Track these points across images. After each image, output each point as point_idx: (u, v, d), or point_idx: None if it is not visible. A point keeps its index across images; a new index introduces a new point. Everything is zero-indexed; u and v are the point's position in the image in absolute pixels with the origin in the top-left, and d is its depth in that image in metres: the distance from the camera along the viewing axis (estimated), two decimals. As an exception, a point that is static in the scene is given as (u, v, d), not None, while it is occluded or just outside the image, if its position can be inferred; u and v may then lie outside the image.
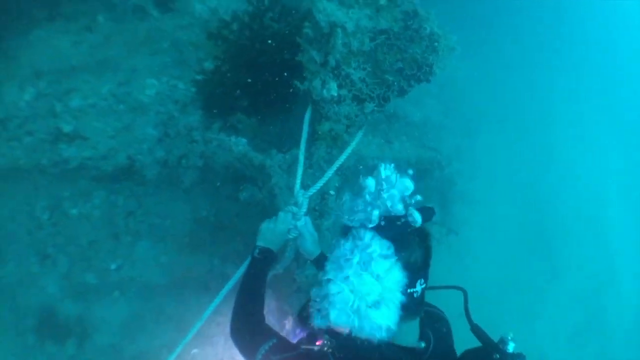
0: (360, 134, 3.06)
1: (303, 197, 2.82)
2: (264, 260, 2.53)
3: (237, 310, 2.28)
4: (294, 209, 2.82)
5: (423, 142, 4.70)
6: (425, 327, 2.12)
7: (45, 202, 3.50)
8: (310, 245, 2.83)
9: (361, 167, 3.81)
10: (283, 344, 1.93)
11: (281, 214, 2.72)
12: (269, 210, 3.27)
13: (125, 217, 3.70)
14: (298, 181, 2.84)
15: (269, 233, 2.64)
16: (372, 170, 1.91)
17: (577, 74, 10.96)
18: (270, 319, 4.05)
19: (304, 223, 2.83)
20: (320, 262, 2.83)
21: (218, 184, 3.66)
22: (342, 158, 2.82)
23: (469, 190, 6.66)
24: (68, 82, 3.27)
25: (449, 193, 5.52)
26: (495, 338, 2.01)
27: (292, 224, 2.78)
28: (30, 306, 3.49)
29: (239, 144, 3.21)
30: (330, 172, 2.79)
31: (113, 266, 3.73)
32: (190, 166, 3.46)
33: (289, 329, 3.72)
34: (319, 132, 3.00)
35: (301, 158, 2.80)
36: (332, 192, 3.32)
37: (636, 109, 13.29)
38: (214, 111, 3.36)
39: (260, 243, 2.61)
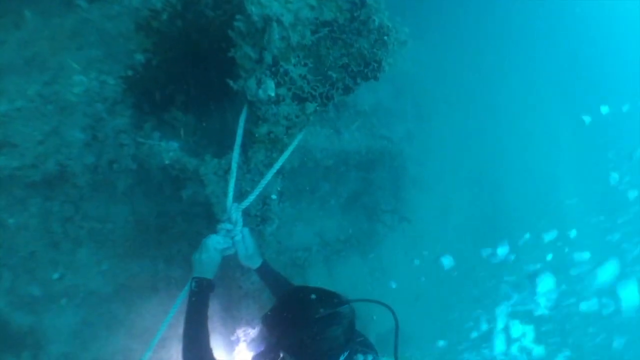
0: (300, 136, 2.97)
1: (236, 212, 2.77)
2: (201, 292, 2.62)
3: (186, 345, 2.45)
4: (228, 225, 2.77)
5: (374, 131, 4.66)
6: None
7: None
8: (251, 258, 2.87)
9: (306, 159, 3.73)
10: None
11: (206, 241, 2.73)
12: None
13: (63, 224, 3.53)
14: (230, 194, 2.76)
15: (199, 265, 2.69)
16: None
17: (528, 54, 11.10)
18: (222, 328, 4.03)
19: (241, 237, 2.81)
20: (263, 271, 2.91)
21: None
22: (278, 165, 2.75)
23: (421, 175, 6.71)
24: (-6, 83, 3.05)
25: (401, 179, 5.53)
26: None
27: (228, 243, 2.77)
28: None
29: (170, 149, 3.07)
30: (264, 182, 2.75)
31: (55, 275, 3.58)
32: (123, 170, 3.28)
33: (239, 336, 3.69)
34: (257, 135, 2.88)
35: (234, 166, 2.70)
36: (274, 197, 3.23)
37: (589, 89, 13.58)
38: (146, 109, 3.18)
39: (195, 274, 2.68)
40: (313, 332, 1.92)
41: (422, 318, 6.64)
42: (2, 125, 2.92)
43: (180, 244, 3.82)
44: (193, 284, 2.63)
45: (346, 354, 2.03)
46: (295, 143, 2.87)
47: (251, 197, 2.78)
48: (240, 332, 3.71)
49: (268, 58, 2.56)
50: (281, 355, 2.04)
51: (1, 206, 3.35)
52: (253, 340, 2.84)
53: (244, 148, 2.85)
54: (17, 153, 2.98)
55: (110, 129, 3.06)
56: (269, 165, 2.90)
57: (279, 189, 3.25)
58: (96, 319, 3.75)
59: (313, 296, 1.97)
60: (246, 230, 2.84)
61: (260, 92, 2.61)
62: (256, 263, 2.87)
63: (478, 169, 8.51)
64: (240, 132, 2.75)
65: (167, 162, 3.06)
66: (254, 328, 3.69)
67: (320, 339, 1.92)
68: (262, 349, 2.15)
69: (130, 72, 3.13)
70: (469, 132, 8.37)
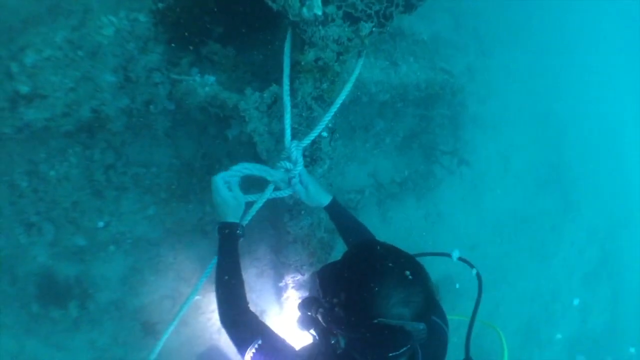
0: (360, 64, 2.55)
1: (297, 150, 2.46)
2: (225, 239, 2.36)
3: (219, 301, 2.16)
4: (287, 164, 2.47)
5: (434, 63, 4.17)
6: None
7: (22, 168, 3.24)
8: (316, 196, 2.56)
9: (359, 94, 3.34)
10: (268, 344, 1.85)
11: (213, 181, 2.44)
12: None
13: (105, 171, 3.39)
14: (288, 131, 2.43)
15: (219, 207, 2.43)
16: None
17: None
18: (270, 273, 3.89)
19: (299, 179, 2.53)
20: (333, 210, 2.57)
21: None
22: (339, 101, 2.36)
23: (481, 113, 6.24)
24: (21, 38, 2.85)
25: (461, 117, 5.08)
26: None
27: (281, 180, 2.51)
28: (28, 276, 3.38)
29: (206, 84, 2.73)
30: (327, 117, 2.38)
31: (100, 224, 3.50)
32: (161, 111, 3.02)
33: (287, 283, 3.51)
34: (302, 63, 2.49)
35: (287, 100, 2.34)
36: (324, 134, 2.87)
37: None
38: (182, 44, 2.86)
39: (218, 219, 2.44)
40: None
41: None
42: (31, 78, 2.75)
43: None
44: (217, 229, 2.40)
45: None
46: (356, 73, 2.45)
47: (313, 134, 2.48)
48: (288, 279, 3.53)
49: (313, -33, 2.15)
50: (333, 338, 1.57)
51: (41, 159, 3.25)
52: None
53: (290, 78, 2.50)
54: (47, 104, 2.80)
55: (142, 67, 2.77)
56: (318, 98, 2.55)
57: (330, 125, 2.87)
58: (144, 265, 3.70)
59: (390, 264, 1.47)
60: (304, 171, 2.57)
61: (305, 10, 2.20)
62: (324, 200, 2.55)
63: (543, 110, 7.94)
64: (287, 60, 2.39)
65: (203, 97, 2.74)
66: (303, 275, 3.49)
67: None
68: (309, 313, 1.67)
69: (161, 5, 2.81)
70: (534, 70, 7.78)
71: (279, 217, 3.27)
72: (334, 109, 2.43)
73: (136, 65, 2.78)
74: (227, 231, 2.35)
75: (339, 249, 3.66)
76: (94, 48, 2.82)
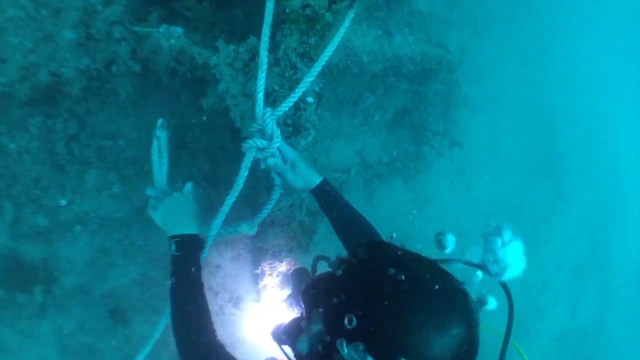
0: (351, 14, 2.22)
1: (271, 120, 2.06)
2: (184, 256, 1.97)
3: (180, 335, 1.78)
4: (259, 141, 2.08)
5: (429, 36, 3.88)
6: None
7: None
8: (303, 177, 2.18)
9: (350, 62, 3.02)
10: None
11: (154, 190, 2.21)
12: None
13: (67, 144, 3.07)
14: (260, 95, 2.03)
15: (172, 213, 2.11)
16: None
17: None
18: (247, 256, 3.62)
19: (279, 154, 2.16)
20: (322, 192, 2.15)
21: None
22: (327, 54, 2.01)
23: (473, 95, 6.01)
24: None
25: (453, 97, 4.82)
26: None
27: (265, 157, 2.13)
28: None
29: (171, 36, 2.33)
30: (310, 76, 2.00)
31: (63, 202, 3.20)
32: (124, 73, 2.66)
33: (264, 269, 3.24)
34: (287, 11, 2.14)
35: (263, 55, 1.97)
36: (310, 100, 2.47)
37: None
38: None
39: (169, 233, 2.07)
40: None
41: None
42: None
43: (201, 161, 3.32)
44: (172, 247, 2.00)
45: None
46: (344, 28, 2.11)
47: (292, 98, 2.10)
48: (265, 265, 3.25)
49: None
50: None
51: (2, 131, 2.94)
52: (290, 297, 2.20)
53: (271, 30, 2.16)
54: (5, 68, 2.50)
55: (103, 21, 2.42)
56: (304, 55, 2.20)
57: (317, 89, 2.50)
58: (112, 246, 3.44)
59: (437, 289, 1.05)
60: (284, 144, 2.22)
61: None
62: (313, 180, 2.15)
63: (535, 96, 7.82)
64: (270, 5, 2.01)
65: (167, 52, 2.39)
66: (280, 262, 3.20)
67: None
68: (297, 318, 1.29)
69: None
70: (528, 55, 7.68)
71: (256, 197, 2.95)
72: (318, 66, 2.06)
73: (97, 19, 2.43)
74: (185, 247, 1.99)
75: (322, 233, 3.41)
76: (60, 5, 2.50)
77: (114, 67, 2.54)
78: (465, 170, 6.00)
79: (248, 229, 2.42)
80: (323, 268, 2.46)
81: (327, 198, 2.15)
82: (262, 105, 2.06)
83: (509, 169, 7.02)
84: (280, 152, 2.20)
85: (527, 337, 7.43)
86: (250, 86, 2.37)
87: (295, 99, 2.10)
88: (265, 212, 2.37)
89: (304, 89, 2.08)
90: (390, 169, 4.53)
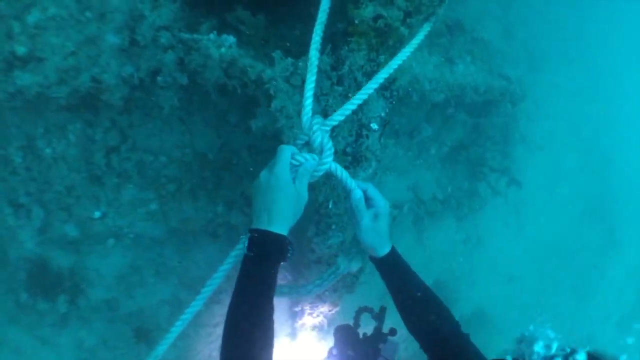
0: (427, 28, 1.92)
1: (321, 130, 1.69)
2: (265, 257, 1.53)
3: (231, 344, 1.42)
4: (306, 156, 1.66)
5: (491, 65, 3.62)
6: None
7: (18, 142, 2.87)
8: (375, 236, 1.77)
9: (411, 90, 2.75)
10: None
11: (282, 153, 1.60)
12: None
13: (107, 155, 2.95)
14: (308, 100, 1.69)
15: (269, 202, 1.56)
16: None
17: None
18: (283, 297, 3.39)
19: (341, 175, 1.75)
20: (388, 265, 1.78)
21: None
22: (396, 62, 1.72)
23: (530, 131, 5.69)
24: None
25: (511, 133, 4.52)
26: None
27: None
28: (19, 261, 3.07)
29: (222, 45, 2.07)
30: (371, 86, 1.69)
31: (97, 214, 3.08)
32: (170, 86, 2.43)
33: (304, 308, 2.99)
34: (357, 22, 1.89)
35: (313, 57, 1.65)
36: (374, 126, 2.17)
37: None
38: (202, 6, 2.32)
39: (254, 222, 1.58)
40: None
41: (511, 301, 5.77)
42: (31, 38, 2.34)
43: (244, 185, 3.12)
44: (246, 241, 1.53)
45: None
46: (421, 36, 1.83)
47: (346, 109, 1.75)
48: (305, 304, 3.00)
49: None
50: None
51: (38, 134, 2.85)
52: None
53: (335, 44, 1.92)
54: (43, 68, 2.36)
55: (150, 27, 2.24)
56: (371, 75, 1.89)
57: (383, 115, 2.19)
58: (144, 264, 3.35)
59: None
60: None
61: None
62: (382, 248, 1.76)
63: (591, 136, 7.39)
64: (325, 5, 1.71)
65: (217, 62, 2.16)
66: (324, 302, 2.92)
67: None
68: None
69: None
70: (584, 92, 7.23)
71: (303, 230, 2.66)
72: (382, 76, 1.73)
73: (143, 23, 2.25)
74: (271, 248, 1.53)
75: (369, 269, 3.16)
76: (105, 8, 2.37)
77: (159, 78, 2.36)
78: (519, 211, 5.67)
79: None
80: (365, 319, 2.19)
81: (395, 272, 1.79)
82: (310, 113, 1.71)
83: (563, 211, 6.61)
84: (367, 195, 1.81)
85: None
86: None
87: (354, 106, 1.77)
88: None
89: (365, 97, 1.76)
90: (444, 206, 4.23)
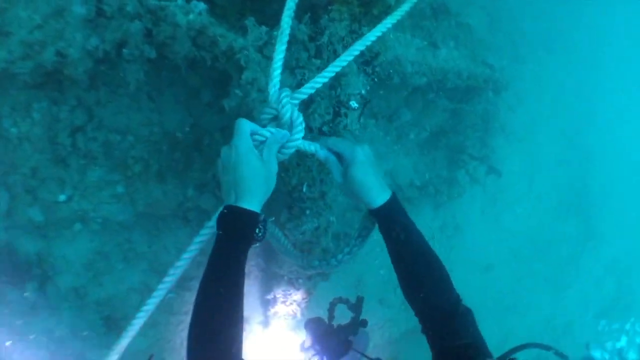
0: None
1: (290, 103, 1.58)
2: (236, 236, 1.42)
3: (198, 335, 1.33)
4: (275, 131, 1.56)
5: (474, 52, 3.53)
6: None
7: None
8: (367, 185, 1.63)
9: (392, 71, 2.64)
10: None
11: (240, 127, 1.50)
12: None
13: (72, 134, 2.80)
14: (276, 71, 1.55)
15: (237, 179, 1.44)
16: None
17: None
18: (258, 275, 3.31)
19: (313, 148, 1.67)
20: (388, 213, 1.64)
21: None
22: (377, 31, 1.57)
23: (510, 122, 5.68)
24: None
25: (493, 121, 4.48)
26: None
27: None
28: None
29: (191, 11, 1.90)
30: (347, 56, 1.56)
31: (62, 197, 2.94)
32: (136, 59, 2.25)
33: (277, 296, 2.90)
34: None
35: (285, 23, 1.52)
36: (354, 104, 2.03)
37: None
38: None
39: (225, 199, 1.48)
40: None
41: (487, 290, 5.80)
42: (1, 13, 2.19)
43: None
44: (219, 219, 1.45)
45: None
46: (406, 8, 1.68)
47: (316, 82, 1.62)
48: (279, 292, 2.91)
49: None
50: None
51: (5, 112, 2.70)
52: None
53: (315, 12, 1.78)
54: (8, 42, 2.21)
55: None
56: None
57: (363, 92, 2.04)
58: (112, 250, 3.22)
59: None
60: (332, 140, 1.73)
61: None
62: (375, 198, 1.62)
63: (571, 129, 7.52)
64: None
65: (185, 29, 1.99)
66: (297, 289, 2.83)
67: None
68: None
69: None
70: (566, 86, 7.36)
71: (275, 214, 2.52)
72: (359, 46, 1.59)
73: None
74: (240, 225, 1.42)
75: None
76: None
77: (124, 50, 2.21)
78: (496, 201, 5.69)
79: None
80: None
81: (394, 223, 1.63)
82: (278, 85, 1.58)
83: (540, 203, 6.69)
84: (334, 150, 1.71)
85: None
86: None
87: (327, 79, 1.62)
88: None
89: (339, 69, 1.61)
90: (421, 193, 4.15)
